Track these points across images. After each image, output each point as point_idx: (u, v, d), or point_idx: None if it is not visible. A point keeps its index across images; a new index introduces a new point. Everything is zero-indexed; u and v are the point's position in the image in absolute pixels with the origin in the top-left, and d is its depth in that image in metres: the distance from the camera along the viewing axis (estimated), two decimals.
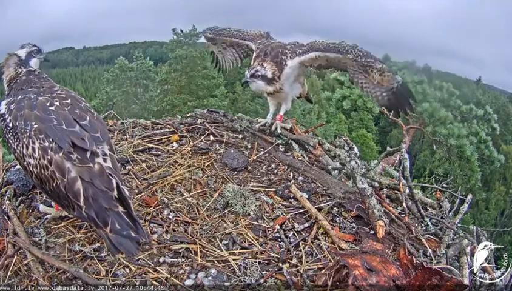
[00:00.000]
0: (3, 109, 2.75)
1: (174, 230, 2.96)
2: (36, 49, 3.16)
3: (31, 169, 2.56)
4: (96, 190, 2.41)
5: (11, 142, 2.67)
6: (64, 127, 2.55)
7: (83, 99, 2.90)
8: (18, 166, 3.28)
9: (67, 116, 2.63)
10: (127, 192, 2.55)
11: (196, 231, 2.96)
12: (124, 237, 2.37)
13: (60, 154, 2.44)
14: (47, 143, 2.47)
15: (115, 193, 2.45)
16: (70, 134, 2.51)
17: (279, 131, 4.12)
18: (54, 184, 2.45)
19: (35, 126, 2.53)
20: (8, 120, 2.67)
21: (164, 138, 4.12)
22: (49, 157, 2.45)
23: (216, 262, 2.70)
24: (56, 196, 2.54)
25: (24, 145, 2.55)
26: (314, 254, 2.83)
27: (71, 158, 2.44)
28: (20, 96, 2.75)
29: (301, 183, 3.64)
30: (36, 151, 2.49)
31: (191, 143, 4.05)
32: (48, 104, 2.65)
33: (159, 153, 3.91)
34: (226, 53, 4.61)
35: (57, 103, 2.69)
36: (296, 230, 3.04)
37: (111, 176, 2.49)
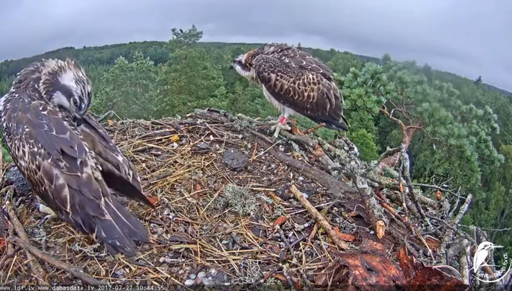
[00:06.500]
0: (1, 106, 2.76)
1: (174, 230, 2.96)
2: (77, 104, 2.71)
3: (23, 170, 2.59)
4: (83, 197, 2.42)
5: (6, 141, 2.69)
6: (54, 133, 2.52)
7: None
8: None
9: (58, 121, 2.60)
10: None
11: (196, 231, 2.96)
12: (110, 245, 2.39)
13: (49, 160, 2.43)
14: (36, 149, 2.47)
15: (103, 201, 2.46)
16: (60, 142, 2.50)
17: (276, 134, 4.13)
18: (43, 188, 2.47)
19: (26, 129, 2.52)
20: (2, 119, 2.68)
21: (164, 138, 4.11)
22: (37, 162, 2.45)
23: (216, 262, 2.70)
24: (46, 199, 2.57)
25: (16, 147, 2.56)
26: (314, 254, 2.83)
27: (60, 165, 2.44)
28: (16, 95, 2.74)
29: (301, 183, 3.64)
30: (26, 155, 2.50)
31: (191, 143, 4.04)
32: (41, 108, 2.63)
33: (159, 153, 3.91)
34: None
35: (50, 108, 2.66)
36: (296, 230, 3.03)
37: (100, 185, 2.51)
